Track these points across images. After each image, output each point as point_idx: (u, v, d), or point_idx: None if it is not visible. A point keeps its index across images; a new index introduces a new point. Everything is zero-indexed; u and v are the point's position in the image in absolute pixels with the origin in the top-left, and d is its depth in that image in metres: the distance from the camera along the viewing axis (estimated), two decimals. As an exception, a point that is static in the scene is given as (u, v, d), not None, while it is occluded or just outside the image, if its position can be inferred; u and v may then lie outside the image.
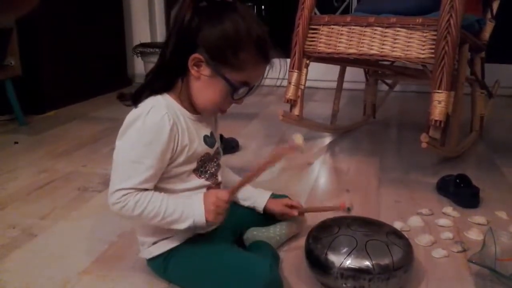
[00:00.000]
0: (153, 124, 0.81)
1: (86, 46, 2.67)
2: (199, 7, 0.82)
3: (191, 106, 0.88)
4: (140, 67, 3.10)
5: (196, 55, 0.81)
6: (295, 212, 1.07)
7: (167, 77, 0.86)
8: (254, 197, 1.08)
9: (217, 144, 0.96)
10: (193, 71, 0.83)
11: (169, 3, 3.18)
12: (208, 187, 0.92)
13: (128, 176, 0.81)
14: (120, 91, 0.88)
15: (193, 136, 0.87)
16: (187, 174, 0.89)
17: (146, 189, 0.83)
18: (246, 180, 0.89)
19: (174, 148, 0.84)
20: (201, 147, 0.89)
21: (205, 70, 0.83)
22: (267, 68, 0.87)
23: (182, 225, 0.84)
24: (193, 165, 0.89)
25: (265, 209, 1.06)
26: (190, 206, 0.85)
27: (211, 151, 0.92)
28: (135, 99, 0.85)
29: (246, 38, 0.81)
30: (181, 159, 0.86)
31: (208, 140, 0.91)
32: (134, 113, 0.83)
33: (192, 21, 0.81)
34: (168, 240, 0.90)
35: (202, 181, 0.91)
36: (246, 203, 1.07)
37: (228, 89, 0.84)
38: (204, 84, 0.84)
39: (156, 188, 0.85)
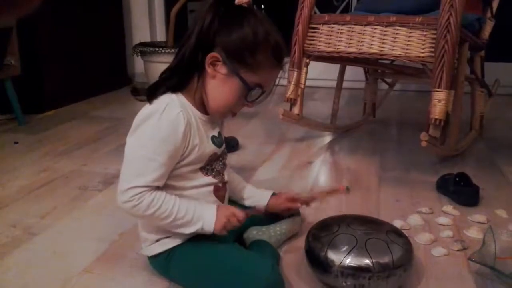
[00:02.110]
0: (169, 122, 0.82)
1: (86, 46, 2.67)
2: (220, 11, 0.83)
3: (203, 107, 0.89)
4: (140, 66, 3.09)
5: (214, 53, 0.83)
6: (298, 204, 1.08)
7: (183, 76, 0.87)
8: (256, 196, 1.08)
9: (224, 144, 0.97)
10: (209, 69, 0.84)
11: (169, 2, 3.17)
12: (215, 185, 0.93)
13: (141, 173, 0.81)
14: (133, 85, 0.89)
15: (203, 136, 0.88)
16: (194, 172, 0.89)
17: (158, 187, 0.83)
18: (271, 209, 0.97)
19: (185, 146, 0.85)
20: (209, 148, 0.90)
21: (222, 69, 0.84)
22: (280, 73, 0.89)
23: (190, 229, 0.86)
24: (201, 164, 0.90)
25: (267, 207, 1.07)
26: (202, 212, 0.86)
27: (219, 151, 0.93)
28: (150, 95, 0.86)
29: (264, 41, 0.84)
30: (190, 158, 0.86)
31: (216, 141, 0.92)
32: (148, 109, 0.84)
33: (212, 23, 0.83)
34: (171, 238, 0.90)
35: (209, 179, 0.92)
36: (247, 202, 1.08)
37: (242, 90, 0.86)
38: (219, 83, 0.85)
39: (164, 185, 0.86)
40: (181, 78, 0.87)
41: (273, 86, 0.91)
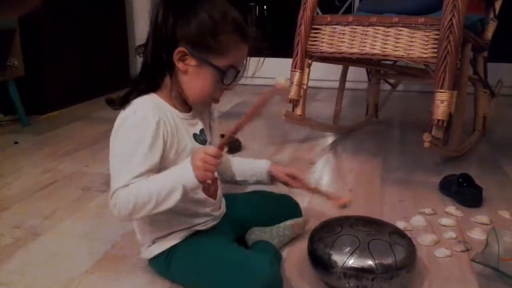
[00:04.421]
0: (139, 121, 0.82)
1: (89, 47, 2.68)
2: (170, 5, 0.83)
3: (183, 104, 0.90)
4: (143, 67, 3.10)
5: (180, 48, 0.83)
6: (295, 184, 1.07)
7: (152, 77, 0.87)
8: (255, 169, 1.09)
9: (209, 141, 0.96)
10: (179, 65, 0.84)
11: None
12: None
13: (121, 176, 0.81)
14: (107, 96, 0.89)
15: (182, 134, 0.88)
16: None
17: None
18: (235, 129, 0.85)
19: (163, 144, 0.83)
20: (191, 145, 0.89)
21: (191, 61, 0.84)
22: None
23: (176, 196, 0.80)
24: None
25: (269, 174, 1.08)
26: (177, 171, 0.82)
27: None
28: (123, 102, 0.86)
29: (222, 21, 0.83)
30: (171, 155, 0.86)
31: (198, 138, 0.92)
32: (121, 115, 0.84)
33: (167, 19, 0.82)
34: (168, 238, 0.90)
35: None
36: (251, 180, 1.09)
37: (217, 75, 0.85)
38: (193, 76, 0.85)
39: None
40: (149, 81, 0.87)
41: (246, 62, 0.90)
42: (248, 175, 1.10)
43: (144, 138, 0.81)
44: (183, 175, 0.80)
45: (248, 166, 1.10)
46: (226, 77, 0.86)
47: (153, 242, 0.91)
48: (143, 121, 0.82)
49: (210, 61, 0.84)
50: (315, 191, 1.09)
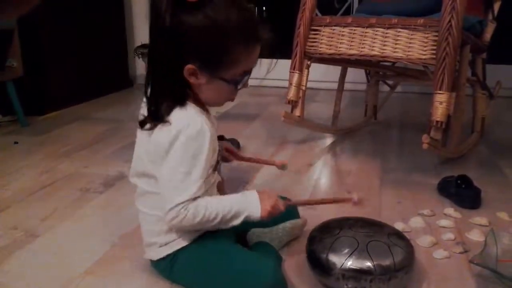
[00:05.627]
0: (196, 134, 0.82)
1: (88, 47, 2.68)
2: (167, 29, 0.78)
3: (202, 106, 0.89)
4: (142, 68, 3.10)
5: (189, 66, 0.81)
6: (231, 158, 1.11)
7: (179, 90, 0.84)
8: None
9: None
10: (191, 80, 0.83)
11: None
12: (218, 182, 0.96)
13: (182, 190, 0.82)
14: (139, 120, 0.86)
15: (215, 136, 0.90)
16: (212, 170, 0.91)
17: (198, 197, 0.84)
18: (307, 202, 1.04)
19: (213, 149, 0.86)
20: (218, 146, 0.92)
21: (202, 78, 0.83)
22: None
23: (238, 220, 0.86)
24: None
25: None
26: (245, 202, 0.87)
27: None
28: (158, 117, 0.83)
29: (229, 30, 0.79)
30: (213, 161, 0.89)
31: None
32: (172, 129, 0.82)
33: (172, 37, 0.78)
34: (177, 240, 0.90)
35: (215, 176, 0.94)
36: None
37: (231, 85, 0.85)
38: (206, 87, 0.85)
39: None
40: (177, 93, 0.84)
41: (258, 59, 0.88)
42: None
43: (202, 149, 0.82)
44: (250, 209, 0.87)
45: None
46: (240, 83, 0.86)
47: (165, 244, 0.91)
48: (200, 133, 0.82)
49: (222, 77, 0.83)
50: (252, 160, 1.19)
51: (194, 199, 0.83)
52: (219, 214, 0.84)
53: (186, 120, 0.82)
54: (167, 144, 0.82)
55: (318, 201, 1.02)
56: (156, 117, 0.83)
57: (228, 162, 1.12)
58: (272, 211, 0.88)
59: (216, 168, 0.93)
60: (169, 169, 0.83)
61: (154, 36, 0.81)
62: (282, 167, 1.15)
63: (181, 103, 0.85)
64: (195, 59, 0.81)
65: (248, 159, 1.19)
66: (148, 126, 0.84)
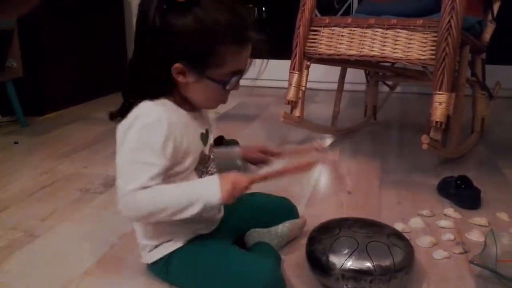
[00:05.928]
0: (152, 121, 0.80)
1: (87, 47, 2.68)
2: (160, 18, 0.77)
3: (191, 104, 0.87)
4: (141, 68, 3.10)
5: (177, 65, 0.80)
6: (270, 159, 1.06)
7: (157, 88, 0.83)
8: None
9: (210, 142, 0.95)
10: (179, 79, 0.82)
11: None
12: None
13: (134, 178, 0.79)
14: (110, 111, 0.86)
15: (191, 135, 0.87)
16: (188, 172, 0.87)
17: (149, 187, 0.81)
18: (271, 175, 0.87)
19: (173, 143, 0.82)
20: (198, 146, 0.89)
21: (190, 77, 0.82)
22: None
23: (195, 208, 0.80)
24: (194, 163, 0.88)
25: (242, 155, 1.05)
26: (202, 186, 0.82)
27: (205, 149, 0.91)
28: (127, 111, 0.83)
29: (216, 31, 0.78)
30: (179, 156, 0.84)
31: (204, 138, 0.91)
32: (130, 116, 0.81)
33: (160, 35, 0.78)
34: (170, 242, 0.90)
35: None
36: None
37: (219, 85, 0.83)
38: (195, 88, 0.83)
39: None
40: (153, 90, 0.83)
41: (250, 61, 0.86)
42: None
43: (157, 139, 0.80)
44: (208, 192, 0.80)
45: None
46: (229, 84, 0.84)
47: (156, 247, 0.91)
48: (156, 121, 0.80)
49: (210, 76, 0.82)
50: (290, 153, 1.12)
51: (143, 188, 0.79)
52: (172, 202, 0.79)
53: (145, 109, 0.81)
54: (123, 131, 0.82)
55: (281, 171, 0.87)
56: (124, 109, 0.83)
57: (266, 164, 1.06)
58: (232, 190, 0.80)
59: (199, 169, 0.90)
60: (121, 156, 0.82)
61: (141, 35, 0.81)
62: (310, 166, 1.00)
63: (153, 98, 0.83)
64: (183, 58, 0.80)
65: (290, 152, 1.09)
66: (118, 118, 0.83)
